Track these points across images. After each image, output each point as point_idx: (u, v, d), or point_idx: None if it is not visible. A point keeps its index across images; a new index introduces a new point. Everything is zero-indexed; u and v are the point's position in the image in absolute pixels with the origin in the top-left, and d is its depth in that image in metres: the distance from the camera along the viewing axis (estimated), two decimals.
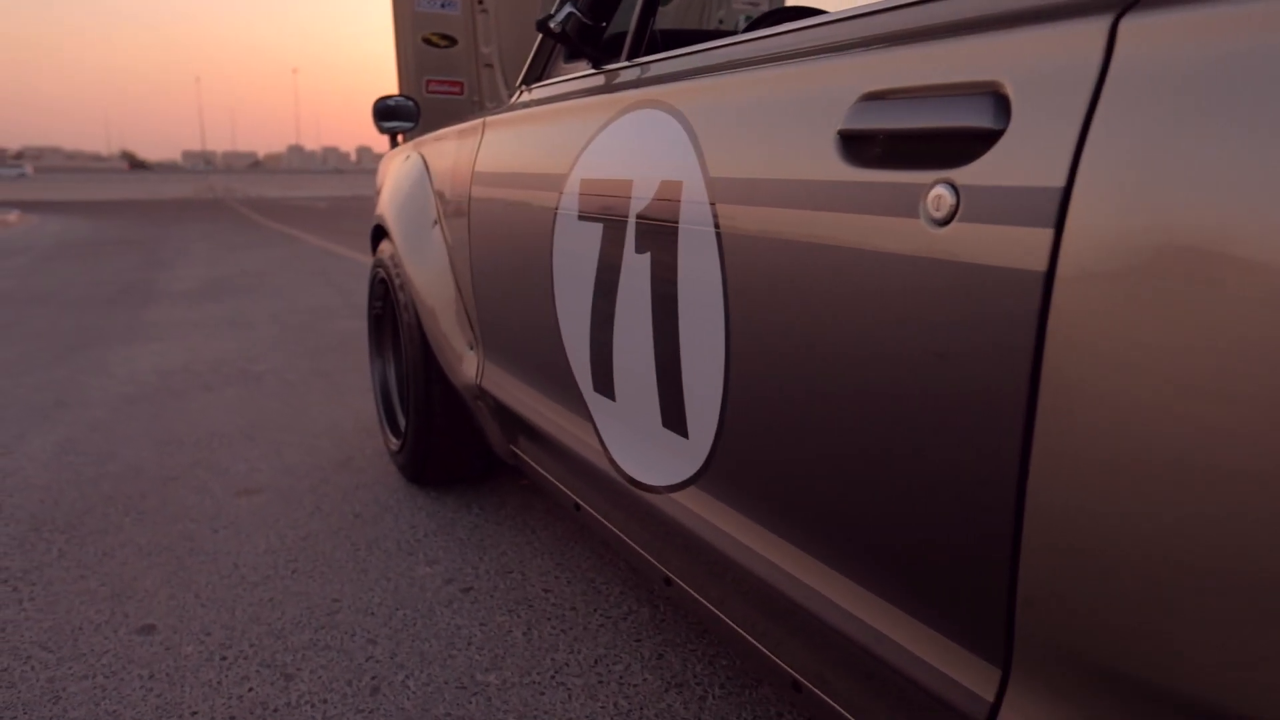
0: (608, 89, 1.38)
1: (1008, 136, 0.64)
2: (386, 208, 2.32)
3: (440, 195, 2.05)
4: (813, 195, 0.83)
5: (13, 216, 15.94)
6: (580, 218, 1.33)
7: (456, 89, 3.28)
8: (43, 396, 3.43)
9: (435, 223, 2.07)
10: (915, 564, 0.77)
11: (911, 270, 0.71)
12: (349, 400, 3.37)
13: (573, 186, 1.36)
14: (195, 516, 2.24)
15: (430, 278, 2.06)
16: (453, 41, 3.17)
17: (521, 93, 1.81)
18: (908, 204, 0.72)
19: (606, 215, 1.25)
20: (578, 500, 1.57)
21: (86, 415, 3.17)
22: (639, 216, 1.17)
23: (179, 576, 1.90)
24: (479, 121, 1.89)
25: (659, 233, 1.12)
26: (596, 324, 1.32)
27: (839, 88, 0.84)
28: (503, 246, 1.67)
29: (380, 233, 2.52)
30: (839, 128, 0.82)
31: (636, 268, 1.18)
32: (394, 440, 2.46)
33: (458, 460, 2.29)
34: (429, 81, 3.12)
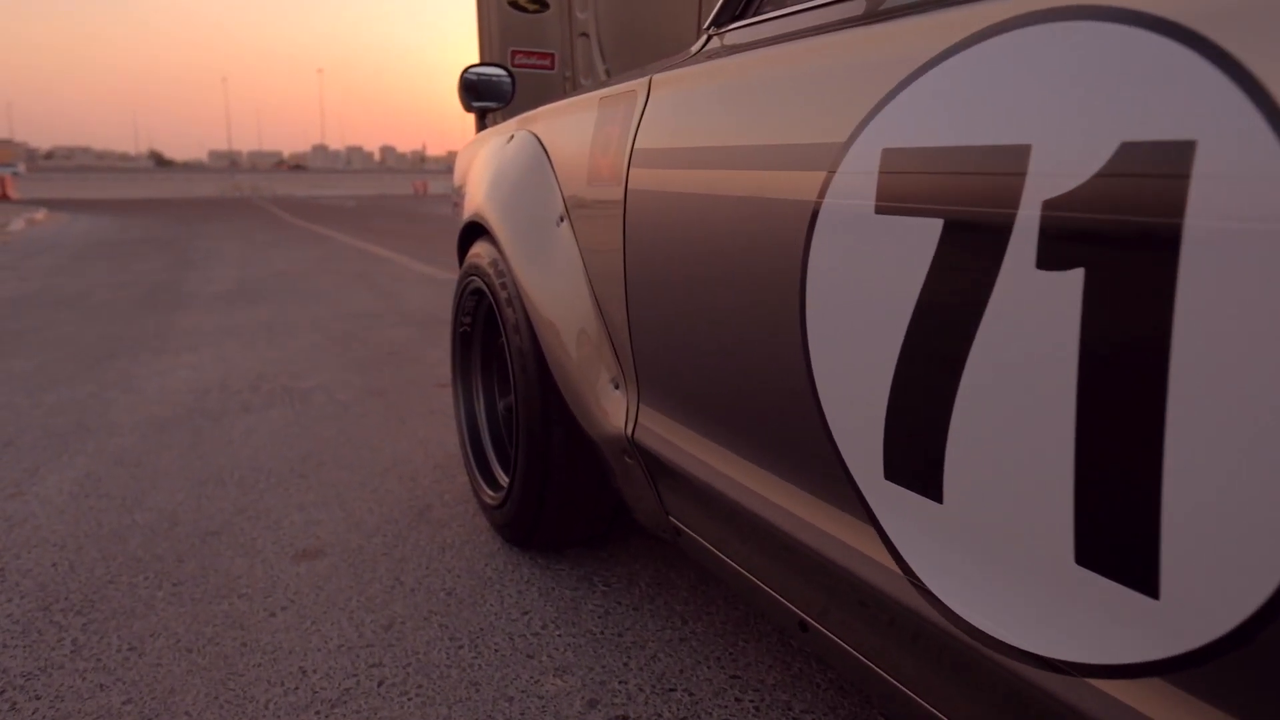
0: (915, 7, 0.89)
1: None
2: (485, 202, 1.84)
3: (568, 184, 1.57)
4: None
5: (40, 215, 15.68)
6: (883, 210, 0.84)
7: (546, 62, 2.81)
8: (62, 419, 2.98)
9: (561, 219, 1.59)
10: None
11: None
12: (413, 427, 2.90)
13: (861, 163, 0.87)
14: (245, 590, 1.77)
15: (555, 291, 1.57)
16: (544, 6, 2.70)
17: (709, 39, 1.32)
18: None
19: (957, 208, 0.76)
20: (807, 618, 1.08)
21: (111, 444, 2.72)
22: (1049, 207, 0.67)
23: (229, 691, 1.42)
24: (635, 83, 1.40)
25: (1102, 239, 0.63)
26: (910, 383, 0.83)
27: None
28: (688, 253, 1.18)
29: (473, 233, 2.04)
30: None
31: (1034, 297, 0.69)
32: (491, 493, 1.97)
33: (578, 522, 1.81)
34: (515, 53, 2.65)
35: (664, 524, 1.46)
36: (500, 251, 1.77)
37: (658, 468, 1.38)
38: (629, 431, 1.43)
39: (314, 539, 2.01)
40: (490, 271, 1.81)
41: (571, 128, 1.59)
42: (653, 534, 1.61)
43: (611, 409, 1.48)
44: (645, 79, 1.36)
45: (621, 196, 1.36)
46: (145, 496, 2.28)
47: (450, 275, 7.23)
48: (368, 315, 5.17)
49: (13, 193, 23.64)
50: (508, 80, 2.25)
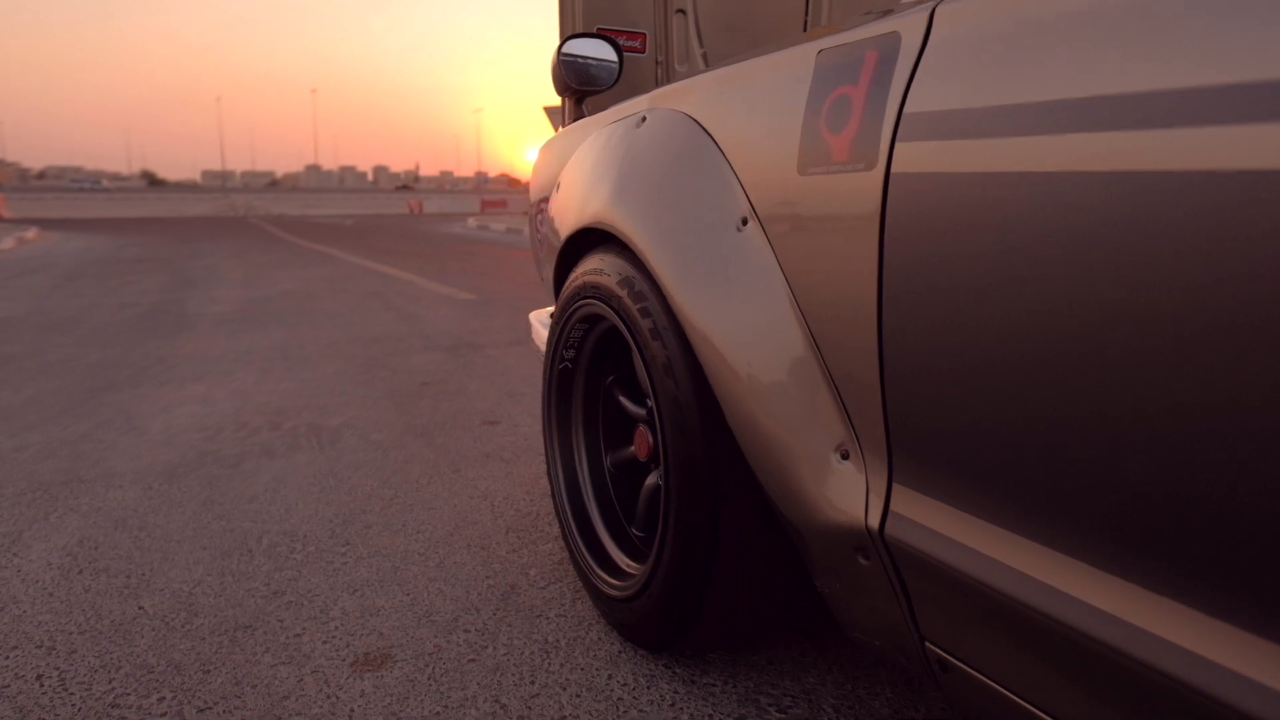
0: None
1: None
2: (612, 203, 1.41)
3: (755, 175, 1.14)
4: None
5: (31, 233, 15.23)
6: None
7: (636, 44, 2.38)
8: (52, 466, 2.53)
9: (743, 224, 1.15)
10: None
11: None
12: (470, 477, 2.45)
13: None
14: (296, 717, 1.32)
15: (739, 323, 1.14)
16: None
17: None
18: None
19: None
20: None
21: (110, 499, 2.26)
22: None
23: None
24: (896, 20, 0.97)
25: None
26: None
27: None
28: (1014, 268, 0.75)
29: (581, 245, 1.61)
30: None
31: None
32: (612, 582, 1.52)
33: (739, 624, 1.36)
34: (600, 32, 2.23)
35: (913, 651, 1.02)
36: (642, 266, 1.34)
37: (920, 573, 0.95)
38: (873, 522, 0.99)
39: (376, 636, 1.56)
40: (620, 293, 1.37)
41: (757, 98, 1.16)
42: (881, 657, 1.17)
43: (837, 489, 1.05)
44: (922, 11, 0.93)
45: (877, 186, 0.93)
46: (154, 573, 1.83)
47: (470, 297, 6.79)
48: (390, 339, 4.72)
49: (4, 211, 23.19)
50: (614, 58, 1.83)
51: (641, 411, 1.58)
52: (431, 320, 5.47)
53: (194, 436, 2.85)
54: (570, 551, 1.66)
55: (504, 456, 2.63)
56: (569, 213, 1.61)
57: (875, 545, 1.01)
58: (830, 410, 1.05)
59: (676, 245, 1.24)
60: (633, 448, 1.61)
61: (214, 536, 2.03)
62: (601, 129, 1.62)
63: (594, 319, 1.54)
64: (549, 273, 1.83)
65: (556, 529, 2.07)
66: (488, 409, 3.20)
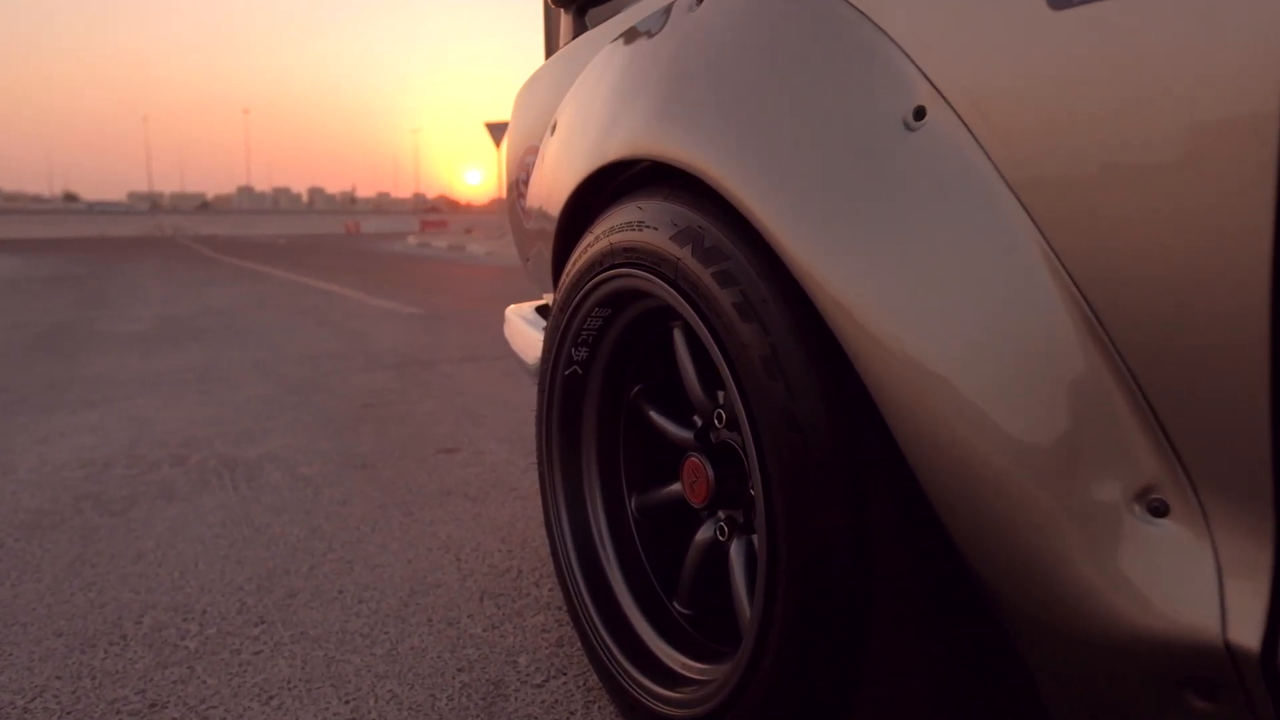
0: None
1: None
2: (665, 118, 0.92)
3: (933, 28, 0.67)
4: None
5: None
6: None
7: None
8: None
9: (918, 117, 0.68)
10: None
11: None
12: (426, 520, 1.92)
13: None
14: None
15: (924, 281, 0.66)
16: None
17: None
18: None
19: None
20: None
21: None
22: None
23: None
24: None
25: None
26: None
27: None
28: None
29: (595, 198, 1.12)
30: None
31: None
32: (662, 693, 1.01)
33: None
34: None
35: None
36: (716, 210, 0.85)
37: None
38: (1241, 634, 0.52)
39: None
40: (678, 253, 0.89)
41: None
42: None
43: (1143, 566, 0.57)
44: None
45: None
46: None
47: (416, 311, 6.22)
48: (326, 357, 4.15)
49: None
50: None
51: (686, 435, 1.09)
52: (374, 337, 4.90)
53: (74, 475, 2.27)
54: (585, 637, 1.15)
55: (468, 493, 2.11)
56: (578, 155, 1.12)
57: (1241, 678, 0.53)
58: (1127, 433, 0.58)
59: (790, 167, 0.76)
60: (674, 486, 1.12)
61: (76, 616, 1.47)
62: (622, 34, 1.13)
63: (625, 299, 1.04)
64: (543, 250, 1.34)
65: (548, 592, 1.56)
66: (444, 434, 2.67)
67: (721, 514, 1.06)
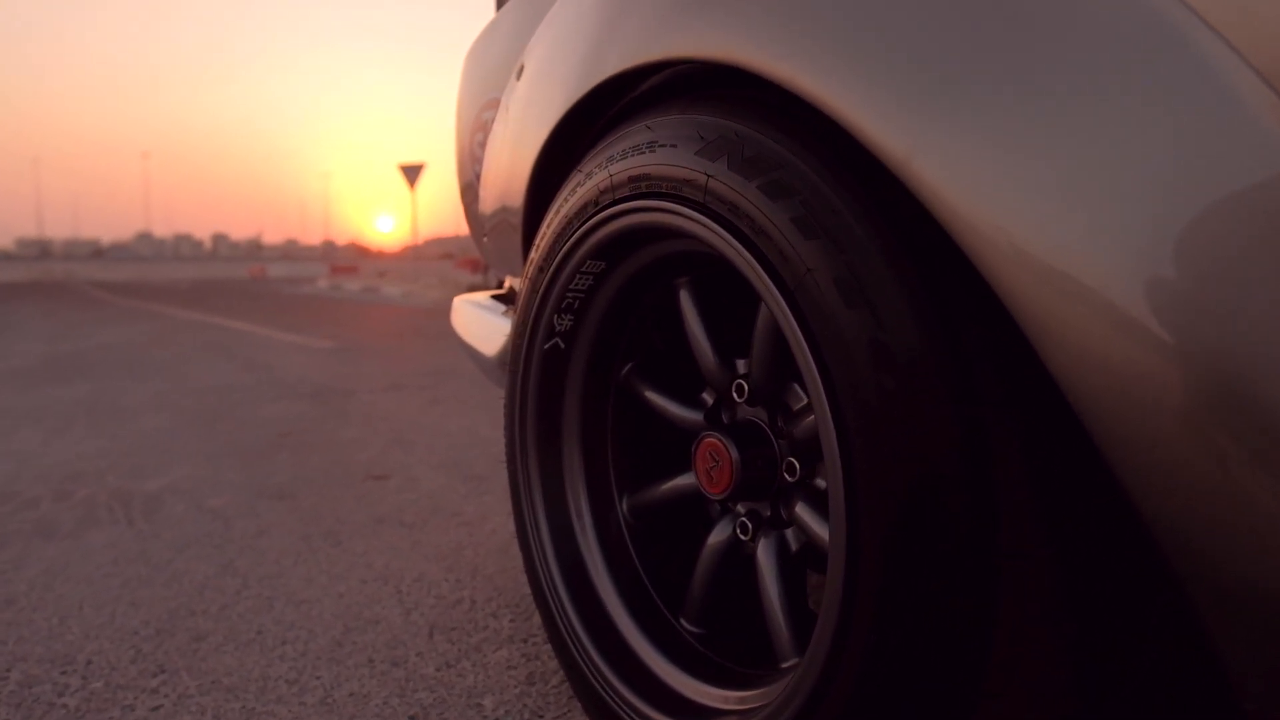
0: None
1: None
2: (730, 11, 0.73)
3: None
4: None
5: None
6: None
7: None
8: None
9: None
10: None
11: None
12: (358, 549, 1.68)
13: None
14: None
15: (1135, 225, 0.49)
16: None
17: None
18: None
19: None
20: None
21: None
22: None
23: None
24: None
25: None
26: None
27: None
28: None
29: (584, 128, 0.94)
30: None
31: None
32: None
33: None
34: None
35: None
36: (777, 125, 0.69)
37: None
38: None
39: None
40: (712, 174, 0.71)
41: None
42: None
43: None
44: None
45: None
46: None
47: (329, 345, 5.89)
48: (234, 389, 3.82)
49: None
50: None
51: (693, 416, 0.91)
52: (286, 368, 4.57)
53: None
54: (573, 668, 0.94)
55: (404, 520, 1.87)
56: (558, 88, 0.94)
57: None
58: None
59: (901, 51, 0.59)
60: (677, 481, 0.93)
61: None
62: None
63: (627, 244, 0.86)
64: (507, 220, 1.14)
65: (510, 624, 1.34)
66: (372, 460, 2.42)
67: (742, 508, 0.88)
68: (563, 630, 0.95)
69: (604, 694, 0.89)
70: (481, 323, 1.28)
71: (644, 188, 0.79)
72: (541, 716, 1.06)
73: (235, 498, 2.06)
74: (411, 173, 17.53)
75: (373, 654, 1.24)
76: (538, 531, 1.00)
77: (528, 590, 1.46)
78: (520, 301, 0.99)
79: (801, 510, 0.80)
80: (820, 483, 0.80)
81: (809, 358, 0.63)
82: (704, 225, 0.72)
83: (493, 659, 1.22)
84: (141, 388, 3.88)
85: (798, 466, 0.81)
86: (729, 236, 0.69)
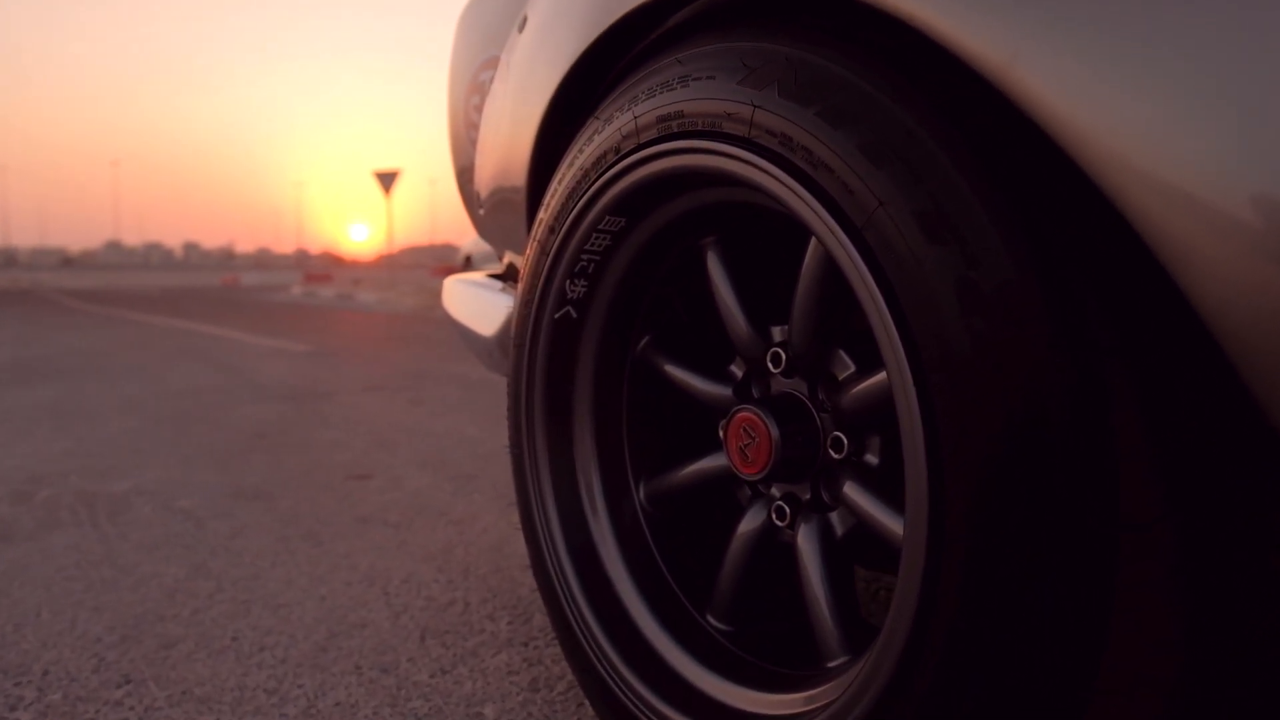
0: None
1: None
2: None
3: None
4: None
5: None
6: None
7: None
8: None
9: None
10: None
11: None
12: (341, 550, 1.58)
13: None
14: None
15: None
16: None
17: None
18: None
19: None
20: None
21: None
22: None
23: None
24: None
25: None
26: None
27: None
28: None
29: (581, 83, 0.86)
30: None
31: None
32: None
33: None
34: None
35: None
36: (848, 39, 0.60)
37: None
38: None
39: None
40: (759, 104, 0.63)
41: None
42: None
43: None
44: None
45: None
46: None
47: (306, 348, 5.75)
48: (209, 391, 3.69)
49: None
50: None
51: (722, 391, 0.83)
52: (262, 371, 4.44)
53: None
54: (587, 672, 0.85)
55: (389, 520, 1.77)
56: (572, 30, 0.85)
57: None
58: None
59: None
60: (701, 463, 0.85)
61: None
62: None
63: (654, 195, 0.77)
64: (506, 185, 1.05)
65: (508, 627, 1.24)
66: (352, 461, 2.31)
67: (777, 491, 0.79)
68: (576, 630, 0.86)
69: (624, 698, 0.80)
70: (477, 301, 1.19)
71: (675, 127, 0.70)
72: None
73: (207, 498, 1.94)
74: (386, 179, 17.35)
75: (360, 660, 1.14)
76: (546, 522, 0.90)
77: (525, 591, 1.37)
78: (527, 268, 0.90)
79: (851, 490, 0.71)
80: (871, 459, 0.72)
81: (881, 305, 0.55)
82: (748, 163, 0.64)
83: (491, 664, 1.12)
84: (111, 391, 3.74)
85: (845, 442, 0.72)
86: (779, 173, 0.61)
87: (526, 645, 1.18)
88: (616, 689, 0.80)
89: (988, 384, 0.51)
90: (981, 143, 0.53)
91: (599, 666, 0.83)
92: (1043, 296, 0.50)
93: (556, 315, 0.88)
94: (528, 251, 0.90)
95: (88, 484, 2.09)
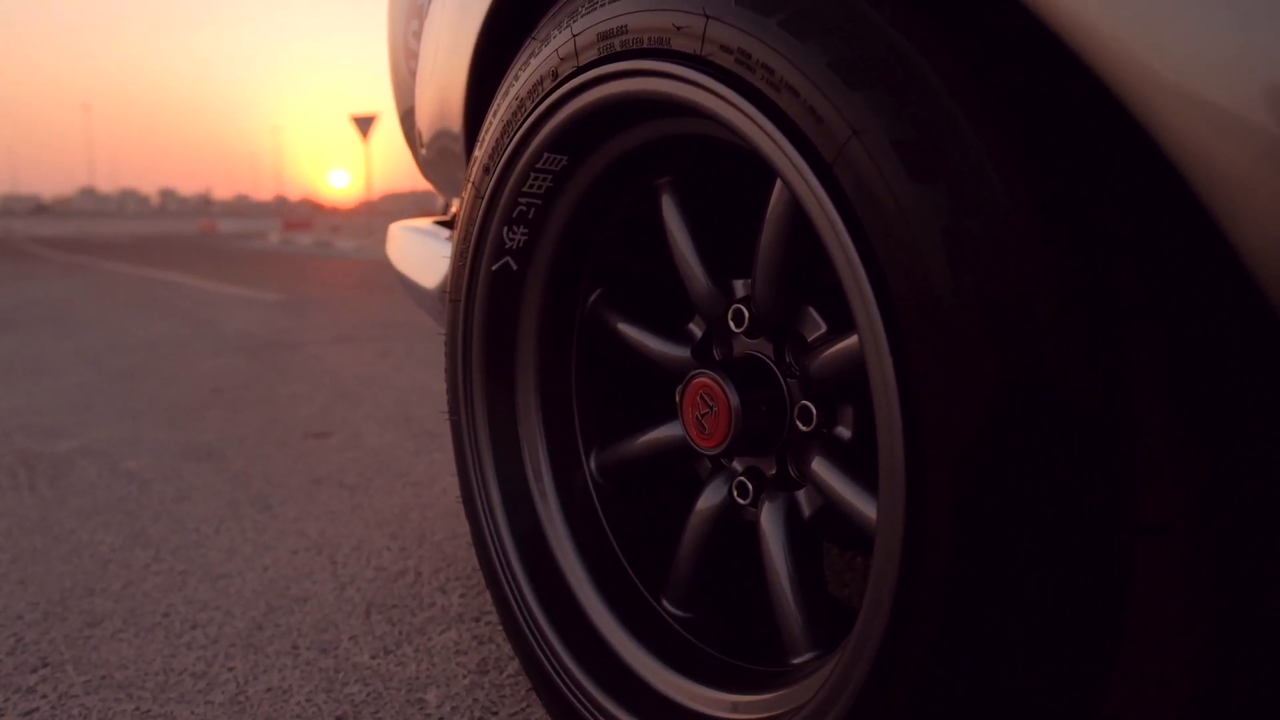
0: None
1: None
2: None
3: None
4: None
5: None
6: None
7: None
8: None
9: None
10: None
11: None
12: (291, 515, 1.49)
13: None
14: None
15: None
16: None
17: None
18: None
19: None
20: None
21: None
22: None
23: None
24: None
25: None
26: None
27: None
28: None
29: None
30: None
31: None
32: None
33: None
34: None
35: None
36: None
37: None
38: None
39: None
40: (713, 15, 0.52)
41: None
42: None
43: None
44: None
45: None
46: None
47: (277, 298, 5.61)
48: (167, 343, 3.57)
49: None
50: None
51: (679, 352, 0.74)
52: (226, 323, 4.31)
53: None
54: (531, 660, 0.77)
55: (345, 481, 1.68)
56: None
57: None
58: None
59: None
60: (657, 432, 0.76)
61: None
62: None
63: (597, 128, 0.67)
64: (447, 116, 0.94)
65: (460, 600, 1.17)
66: (312, 416, 2.22)
67: (739, 466, 0.70)
68: (519, 616, 0.77)
69: (568, 692, 0.72)
70: (420, 249, 1.09)
71: (618, 45, 0.60)
72: (495, 713, 0.89)
73: (156, 459, 1.85)
74: (364, 124, 16.95)
75: (298, 639, 1.06)
76: (487, 498, 0.81)
77: None
78: (461, 214, 0.80)
79: (819, 466, 0.63)
80: (843, 431, 0.63)
81: (853, 257, 0.46)
82: (701, 86, 0.54)
83: (439, 643, 1.04)
84: (67, 344, 3.61)
85: (814, 412, 0.63)
86: (735, 96, 0.51)
87: (478, 621, 1.10)
88: (559, 680, 0.73)
89: (979, 354, 0.42)
90: (979, 60, 0.43)
91: (541, 655, 0.75)
92: (1049, 246, 0.41)
93: (494, 267, 0.78)
94: (463, 194, 0.80)
95: (32, 443, 1.99)
